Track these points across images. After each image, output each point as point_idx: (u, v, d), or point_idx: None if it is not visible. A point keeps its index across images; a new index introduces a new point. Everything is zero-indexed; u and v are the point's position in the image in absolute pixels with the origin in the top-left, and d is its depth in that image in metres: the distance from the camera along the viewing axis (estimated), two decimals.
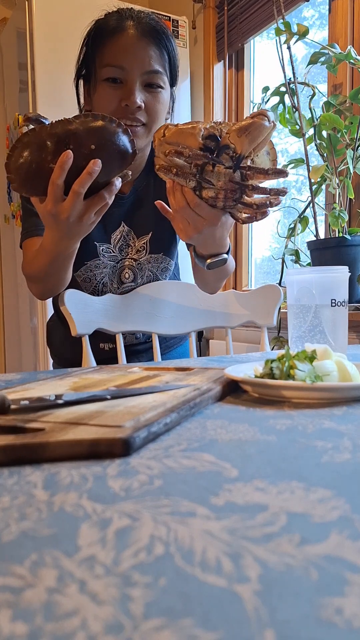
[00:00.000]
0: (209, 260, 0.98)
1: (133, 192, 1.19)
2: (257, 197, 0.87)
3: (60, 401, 0.51)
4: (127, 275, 1.22)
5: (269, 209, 0.86)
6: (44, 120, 0.82)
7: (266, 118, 0.79)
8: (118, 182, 0.86)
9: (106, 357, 1.25)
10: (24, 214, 1.13)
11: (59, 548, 0.25)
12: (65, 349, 1.29)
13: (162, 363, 0.95)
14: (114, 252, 1.19)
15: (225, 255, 0.99)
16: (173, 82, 1.11)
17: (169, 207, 0.92)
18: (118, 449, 0.39)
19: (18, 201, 2.53)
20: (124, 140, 0.82)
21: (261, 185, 0.86)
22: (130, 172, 0.87)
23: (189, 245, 1.02)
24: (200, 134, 0.80)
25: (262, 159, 0.87)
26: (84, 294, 1.19)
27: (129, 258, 1.21)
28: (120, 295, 1.23)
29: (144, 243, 1.21)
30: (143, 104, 1.03)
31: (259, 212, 0.86)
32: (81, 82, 1.13)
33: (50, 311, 2.21)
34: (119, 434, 0.40)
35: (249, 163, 0.84)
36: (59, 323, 1.28)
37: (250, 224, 2.52)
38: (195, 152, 0.80)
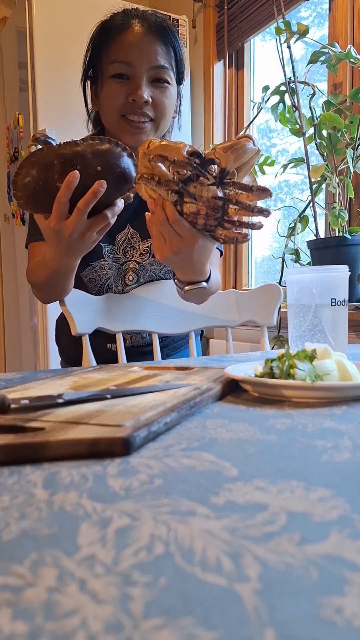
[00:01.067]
0: (187, 287, 0.96)
1: (138, 195, 1.18)
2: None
3: (60, 400, 0.51)
4: (131, 278, 1.22)
5: (250, 230, 0.82)
6: (51, 141, 0.83)
7: (252, 141, 0.78)
8: (120, 203, 0.86)
9: (113, 358, 1.25)
10: (30, 216, 1.13)
11: (59, 547, 0.25)
12: (71, 348, 1.29)
13: (162, 362, 0.95)
14: (117, 254, 1.19)
15: (204, 284, 0.95)
16: (180, 80, 1.11)
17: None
18: (118, 448, 0.39)
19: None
20: (128, 163, 0.84)
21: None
22: (132, 195, 0.87)
23: None
24: (185, 149, 0.78)
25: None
26: (84, 293, 1.19)
27: (132, 260, 1.21)
28: (121, 295, 1.23)
29: (147, 246, 1.20)
30: (150, 99, 1.03)
31: (240, 234, 0.81)
32: (88, 84, 1.13)
33: (50, 311, 2.22)
34: (119, 433, 0.40)
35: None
36: (65, 321, 1.29)
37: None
38: (180, 160, 0.77)
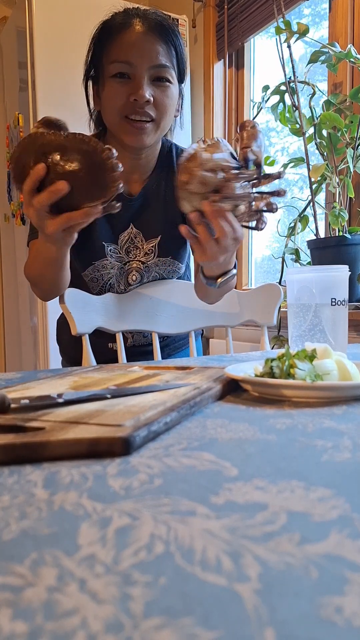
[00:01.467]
0: (219, 280, 0.97)
1: (142, 193, 1.17)
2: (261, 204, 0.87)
3: (60, 400, 0.51)
4: (134, 278, 1.22)
5: (271, 212, 0.86)
6: (57, 124, 0.83)
7: (257, 124, 0.84)
8: (95, 210, 0.81)
9: (114, 357, 1.25)
10: None
11: (59, 547, 0.25)
12: (72, 348, 1.29)
13: (162, 362, 0.95)
14: (120, 254, 1.19)
15: (234, 271, 0.99)
16: (181, 79, 1.11)
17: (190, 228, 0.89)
18: (118, 448, 0.39)
19: (18, 201, 2.53)
20: (108, 174, 0.80)
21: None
22: (119, 205, 0.83)
23: (197, 265, 1.02)
24: (227, 155, 0.81)
25: None
26: (84, 293, 1.19)
27: (136, 260, 1.20)
28: (121, 294, 1.23)
29: (152, 246, 1.20)
30: (152, 98, 1.03)
31: (261, 220, 0.86)
32: (90, 84, 1.13)
33: (51, 310, 2.22)
34: (119, 433, 0.40)
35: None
36: (67, 321, 1.29)
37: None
38: (250, 172, 0.81)
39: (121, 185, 0.80)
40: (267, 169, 1.78)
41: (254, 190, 0.84)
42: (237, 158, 0.84)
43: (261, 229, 0.87)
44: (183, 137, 1.63)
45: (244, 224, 0.87)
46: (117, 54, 1.03)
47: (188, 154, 0.81)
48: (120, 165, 0.79)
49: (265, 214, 0.86)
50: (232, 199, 0.82)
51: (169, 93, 1.06)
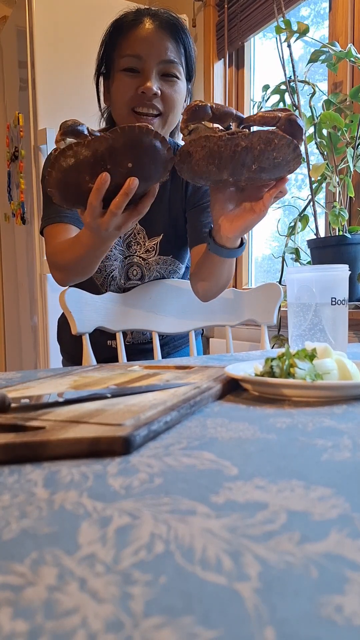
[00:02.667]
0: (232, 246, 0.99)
1: None
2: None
3: (60, 399, 0.51)
4: (134, 272, 1.23)
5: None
6: (80, 128, 0.80)
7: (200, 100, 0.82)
8: (155, 190, 0.85)
9: (113, 355, 1.26)
10: (45, 201, 1.14)
11: (59, 546, 0.25)
12: (72, 346, 1.29)
13: (162, 361, 0.95)
14: (122, 247, 1.20)
15: (244, 241, 1.02)
16: (189, 76, 1.13)
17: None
18: (118, 447, 0.39)
19: (18, 200, 2.53)
20: (160, 150, 0.80)
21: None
22: (168, 175, 0.84)
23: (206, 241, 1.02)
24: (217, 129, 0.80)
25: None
26: (85, 292, 1.19)
27: (136, 255, 1.22)
28: (121, 294, 1.24)
29: (154, 244, 1.21)
30: (159, 92, 1.04)
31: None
32: (101, 80, 1.15)
33: (51, 310, 2.22)
34: (120, 432, 0.40)
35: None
36: (67, 320, 1.29)
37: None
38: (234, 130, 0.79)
39: (171, 156, 0.81)
40: None
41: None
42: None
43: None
44: None
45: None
46: (128, 48, 1.05)
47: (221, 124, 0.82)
48: (165, 139, 0.80)
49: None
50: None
51: (176, 88, 1.08)
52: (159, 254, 1.22)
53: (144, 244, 1.21)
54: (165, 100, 1.06)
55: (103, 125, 1.21)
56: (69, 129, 0.79)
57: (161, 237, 1.20)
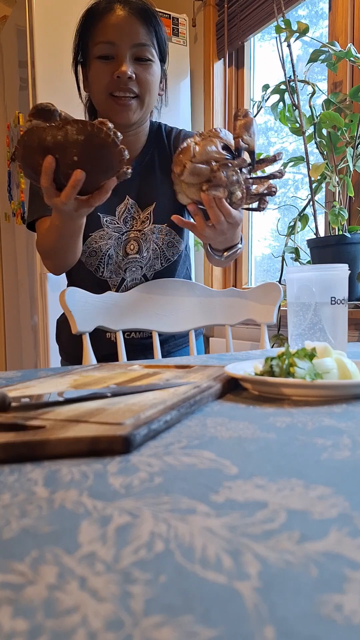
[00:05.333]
0: (225, 254, 1.08)
1: (135, 166, 1.22)
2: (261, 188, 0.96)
3: (61, 399, 0.51)
4: (132, 247, 1.24)
5: (269, 197, 0.96)
6: (50, 111, 0.86)
7: (249, 111, 0.91)
8: (110, 184, 0.89)
9: (113, 349, 1.25)
10: (32, 194, 1.18)
11: (59, 545, 0.25)
12: (73, 346, 1.29)
13: (162, 361, 0.95)
14: (118, 224, 1.22)
15: (240, 246, 1.09)
16: (163, 58, 1.16)
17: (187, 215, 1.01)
18: (118, 446, 0.39)
19: (18, 200, 2.53)
20: (110, 149, 0.84)
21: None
22: (129, 170, 0.89)
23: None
24: (219, 145, 0.89)
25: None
26: (85, 292, 1.19)
27: (134, 230, 1.23)
28: (121, 293, 1.24)
29: (148, 213, 1.23)
30: (134, 75, 1.08)
31: (263, 200, 0.95)
32: (79, 68, 1.18)
33: (51, 309, 2.22)
34: (120, 431, 0.40)
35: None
36: (67, 320, 1.29)
37: (250, 222, 2.52)
38: (236, 162, 0.89)
39: (127, 153, 0.85)
40: (267, 168, 1.78)
41: (251, 175, 0.92)
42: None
43: (263, 210, 0.97)
44: None
45: (246, 206, 0.96)
46: (101, 35, 1.08)
47: (181, 147, 0.90)
48: (119, 135, 0.84)
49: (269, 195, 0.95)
50: (223, 186, 0.89)
51: (150, 70, 1.11)
52: (153, 222, 1.23)
53: (139, 217, 1.23)
54: (140, 82, 1.09)
55: (87, 116, 1.26)
56: (39, 112, 0.86)
57: (154, 205, 1.23)
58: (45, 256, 1.13)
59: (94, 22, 1.10)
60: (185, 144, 0.91)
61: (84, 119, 1.16)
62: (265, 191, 0.93)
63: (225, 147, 0.90)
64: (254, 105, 1.86)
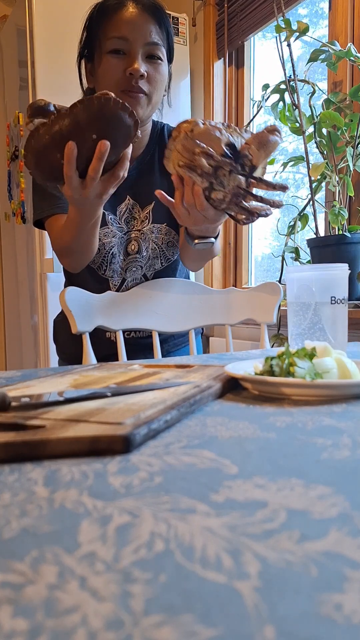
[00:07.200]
0: (196, 241, 1.09)
1: (136, 165, 1.22)
2: (254, 204, 0.93)
3: (61, 398, 0.51)
4: (133, 247, 1.24)
5: (262, 217, 0.93)
6: (46, 107, 0.86)
7: (279, 135, 0.89)
8: (128, 153, 0.90)
9: (112, 347, 1.25)
10: (37, 192, 1.18)
11: (59, 544, 0.25)
12: (71, 346, 1.29)
13: (162, 360, 0.95)
14: (120, 224, 1.22)
15: (212, 240, 1.09)
16: (170, 58, 1.17)
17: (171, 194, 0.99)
18: (118, 445, 0.39)
19: (18, 199, 2.53)
20: (124, 117, 0.85)
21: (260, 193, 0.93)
22: (140, 133, 0.90)
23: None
24: (223, 140, 0.88)
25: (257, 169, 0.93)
26: (84, 291, 1.19)
27: (134, 230, 1.23)
28: (120, 293, 1.24)
29: (147, 213, 1.24)
30: (146, 73, 1.08)
31: (254, 217, 0.92)
32: (83, 63, 1.18)
33: (51, 309, 2.22)
34: (120, 431, 0.40)
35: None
36: (66, 320, 1.29)
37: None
38: (222, 158, 0.87)
39: (137, 119, 0.86)
40: (267, 168, 1.78)
41: (247, 189, 0.90)
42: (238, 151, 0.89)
43: (242, 224, 0.96)
44: None
45: (229, 212, 0.95)
46: (114, 31, 1.08)
47: (189, 119, 0.90)
48: (127, 105, 0.84)
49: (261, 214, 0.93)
50: (199, 174, 0.89)
51: (160, 70, 1.12)
52: (152, 222, 1.24)
53: (139, 217, 1.23)
54: (150, 81, 1.10)
55: None
56: (35, 111, 0.86)
57: (152, 204, 1.23)
58: (64, 254, 1.13)
59: (106, 17, 1.10)
60: (195, 119, 0.91)
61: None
62: (260, 211, 0.92)
63: (231, 146, 0.89)
64: (254, 105, 1.86)
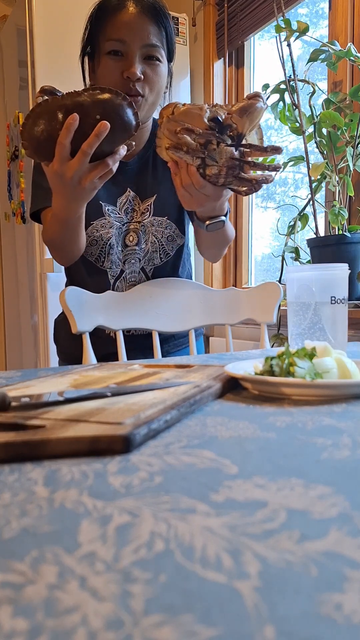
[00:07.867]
0: (207, 222, 1.08)
1: (137, 160, 1.24)
2: (253, 174, 0.94)
3: (61, 398, 0.51)
4: (131, 239, 1.24)
5: (264, 183, 0.94)
6: (57, 93, 0.88)
7: (261, 99, 0.89)
8: (122, 151, 0.92)
9: (114, 351, 1.25)
10: (35, 186, 1.19)
11: (59, 544, 0.25)
12: (72, 345, 1.29)
13: (162, 360, 0.95)
14: (119, 214, 1.23)
15: (223, 218, 1.08)
16: (170, 58, 1.17)
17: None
18: (118, 445, 0.39)
19: (18, 199, 2.53)
20: (128, 112, 0.88)
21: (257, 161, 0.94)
22: (134, 142, 0.91)
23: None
24: (206, 115, 0.88)
25: (252, 138, 0.94)
26: (85, 291, 1.19)
27: (134, 222, 1.24)
28: (120, 292, 1.24)
29: (148, 205, 1.24)
30: (142, 76, 1.09)
31: (256, 185, 0.93)
32: (86, 60, 1.18)
33: (51, 308, 2.22)
34: (120, 430, 0.40)
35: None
36: (66, 319, 1.29)
37: (250, 222, 2.52)
38: (204, 131, 0.88)
39: (139, 121, 0.89)
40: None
41: (242, 158, 0.91)
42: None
43: (244, 194, 0.96)
44: None
45: (234, 187, 0.96)
46: (112, 33, 1.09)
47: (169, 103, 0.92)
48: (133, 104, 0.88)
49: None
50: (186, 151, 0.90)
51: (158, 71, 1.12)
52: (153, 214, 1.24)
53: (139, 209, 1.24)
54: (148, 82, 1.10)
55: None
56: (47, 90, 0.89)
57: (154, 197, 1.24)
58: (50, 247, 1.15)
59: (105, 17, 1.11)
60: (175, 102, 0.92)
61: None
62: (260, 178, 0.93)
63: (215, 120, 0.89)
64: None
